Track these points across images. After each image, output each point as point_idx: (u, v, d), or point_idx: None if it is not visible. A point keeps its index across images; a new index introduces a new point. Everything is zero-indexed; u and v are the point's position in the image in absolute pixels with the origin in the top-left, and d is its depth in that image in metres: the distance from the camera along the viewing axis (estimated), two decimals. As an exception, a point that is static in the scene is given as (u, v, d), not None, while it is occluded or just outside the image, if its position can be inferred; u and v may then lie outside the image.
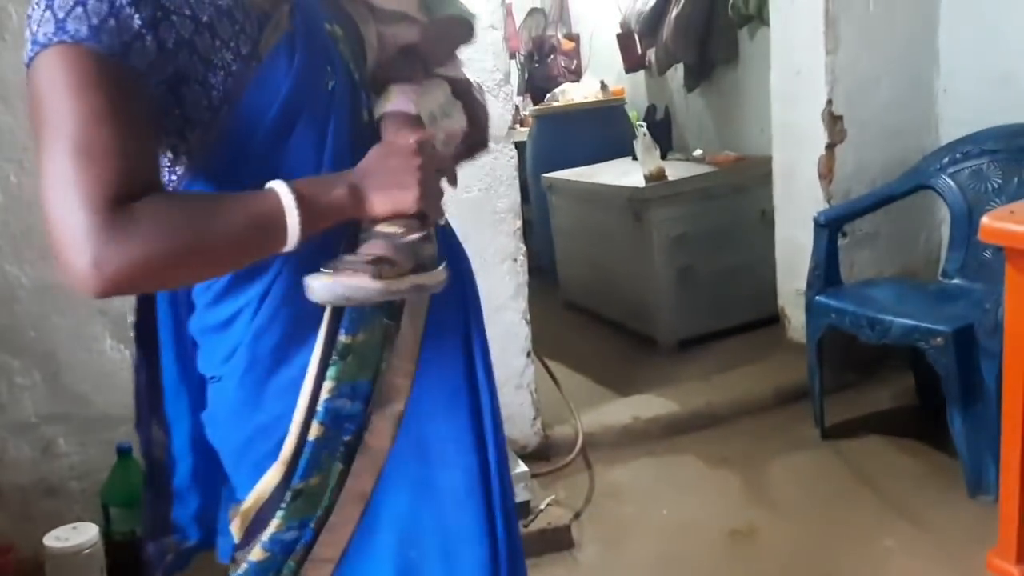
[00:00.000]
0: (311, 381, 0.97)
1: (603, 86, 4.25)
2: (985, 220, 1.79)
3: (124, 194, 0.80)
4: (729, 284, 3.29)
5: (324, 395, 0.97)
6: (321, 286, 0.89)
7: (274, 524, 1.00)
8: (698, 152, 3.71)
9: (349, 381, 0.98)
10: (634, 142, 3.46)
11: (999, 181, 2.45)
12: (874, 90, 2.77)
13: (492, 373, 1.15)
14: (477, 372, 1.12)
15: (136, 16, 0.84)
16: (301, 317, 0.97)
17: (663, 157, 3.50)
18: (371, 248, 0.93)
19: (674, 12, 3.66)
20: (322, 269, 0.90)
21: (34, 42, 0.84)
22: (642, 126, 3.47)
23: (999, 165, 2.45)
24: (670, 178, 3.32)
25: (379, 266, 0.90)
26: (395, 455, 1.05)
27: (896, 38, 2.76)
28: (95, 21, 0.82)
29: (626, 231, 3.38)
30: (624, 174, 3.53)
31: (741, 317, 3.31)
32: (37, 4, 0.85)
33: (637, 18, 3.87)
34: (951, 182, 2.53)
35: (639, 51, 4.11)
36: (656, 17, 3.77)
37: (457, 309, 1.13)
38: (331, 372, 0.97)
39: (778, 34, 2.90)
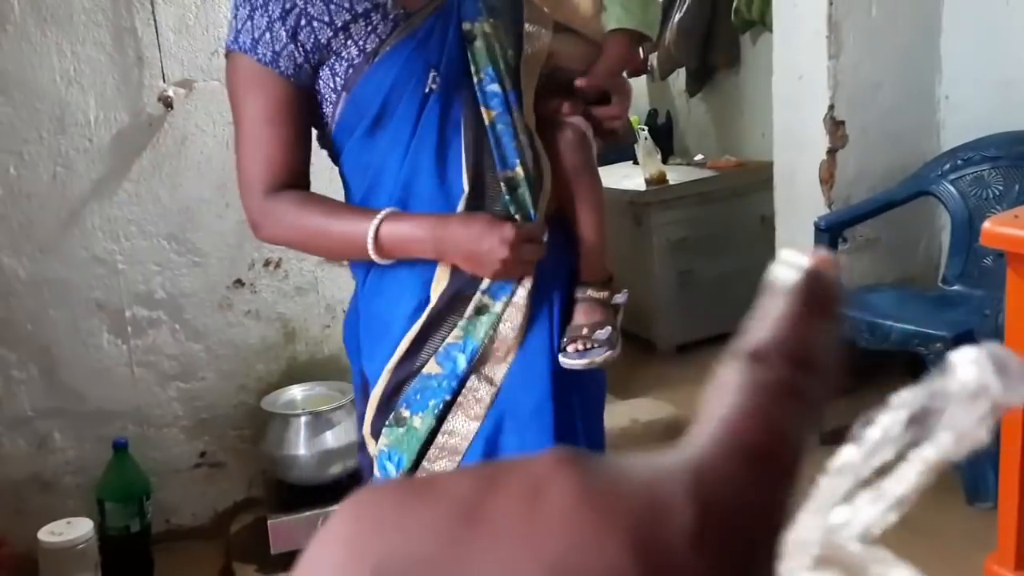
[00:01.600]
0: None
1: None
2: (987, 225, 1.78)
3: (273, 183, 1.10)
4: (729, 289, 3.28)
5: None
6: (575, 363, 1.13)
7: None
8: (699, 157, 3.71)
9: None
10: (635, 146, 3.46)
11: (1000, 188, 2.45)
12: (876, 96, 2.77)
13: (583, 395, 1.19)
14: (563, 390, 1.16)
15: (282, 29, 1.05)
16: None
17: (664, 161, 3.50)
18: (592, 315, 1.16)
19: (676, 17, 3.66)
20: (568, 348, 1.14)
21: (227, 43, 1.10)
22: (643, 130, 3.47)
23: (1000, 172, 2.45)
24: (671, 182, 3.32)
25: (614, 339, 1.15)
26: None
27: (898, 44, 2.76)
28: (256, 35, 1.06)
29: (626, 234, 3.37)
30: (625, 177, 3.53)
31: (741, 322, 3.29)
32: (232, 10, 1.09)
33: (639, 22, 3.86)
34: (952, 188, 2.53)
35: (641, 55, 4.10)
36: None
37: (544, 322, 1.17)
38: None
39: (780, 39, 2.90)
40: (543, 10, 1.17)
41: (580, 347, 1.14)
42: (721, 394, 0.20)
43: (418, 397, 1.14)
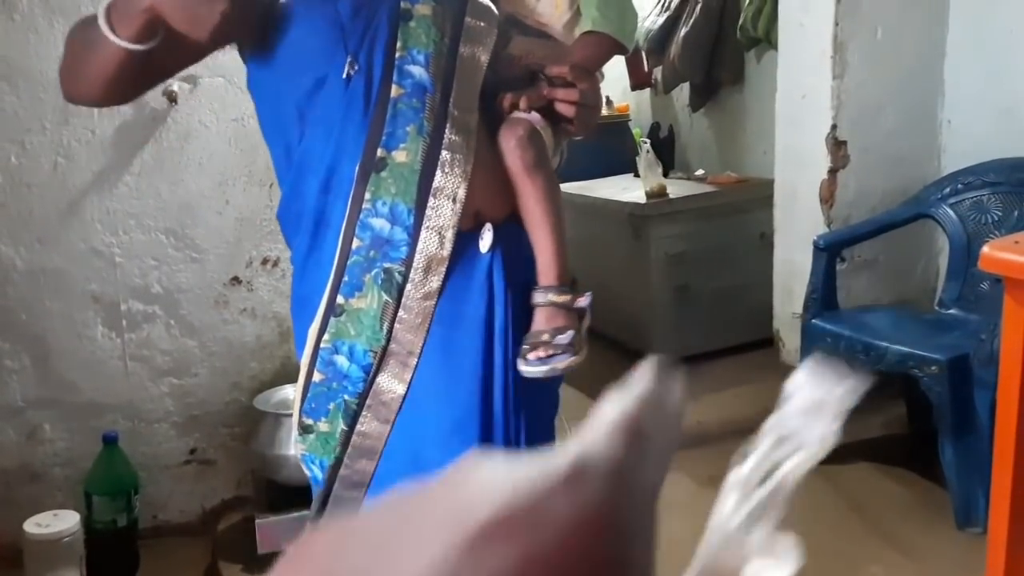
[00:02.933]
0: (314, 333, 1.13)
1: (608, 102, 4.26)
2: (986, 250, 1.78)
3: None
4: (726, 304, 3.29)
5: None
6: (536, 370, 1.11)
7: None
8: (700, 171, 3.72)
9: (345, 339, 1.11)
10: (637, 159, 3.47)
11: (999, 213, 2.45)
12: (879, 117, 2.78)
13: (519, 404, 1.14)
14: (494, 402, 1.12)
15: None
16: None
17: (665, 175, 3.51)
18: (554, 320, 1.13)
19: (683, 32, 3.67)
20: (529, 356, 1.11)
21: None
22: (646, 143, 3.48)
23: (1000, 198, 2.46)
24: (671, 196, 3.32)
25: (577, 343, 1.13)
26: (401, 473, 1.09)
27: (902, 67, 2.78)
28: None
29: (625, 247, 3.38)
30: (625, 190, 3.53)
31: (736, 338, 3.30)
32: None
33: (645, 36, 3.88)
34: (951, 212, 2.53)
35: (646, 69, 4.12)
36: (664, 36, 3.79)
37: (474, 332, 1.13)
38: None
39: (785, 58, 2.91)
40: (490, 6, 1.16)
41: (541, 354, 1.11)
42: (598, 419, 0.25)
43: (313, 405, 1.13)
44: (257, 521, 2.06)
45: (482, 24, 1.13)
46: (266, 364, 2.37)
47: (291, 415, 2.11)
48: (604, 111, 4.20)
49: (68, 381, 2.21)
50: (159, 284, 2.26)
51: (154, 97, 2.17)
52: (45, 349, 2.19)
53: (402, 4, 1.09)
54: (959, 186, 2.54)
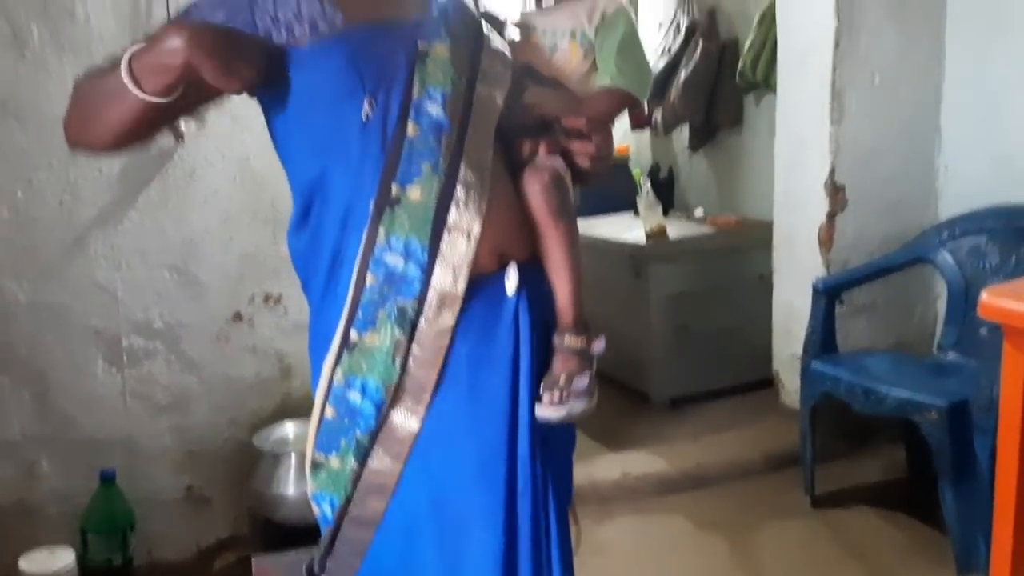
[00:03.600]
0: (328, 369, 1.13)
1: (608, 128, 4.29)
2: (985, 296, 1.79)
3: None
4: (725, 345, 3.30)
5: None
6: (552, 414, 1.12)
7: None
8: (699, 212, 3.75)
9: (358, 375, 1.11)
10: (637, 198, 3.50)
11: (997, 259, 2.47)
12: (876, 162, 2.81)
13: (544, 444, 1.14)
14: (519, 443, 1.12)
15: (226, 13, 1.08)
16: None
17: (665, 215, 3.53)
18: (570, 364, 1.15)
19: (683, 75, 3.72)
20: (545, 400, 1.13)
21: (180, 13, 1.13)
22: (646, 183, 3.51)
23: (997, 244, 2.48)
24: (671, 236, 3.34)
25: (592, 389, 1.15)
26: (415, 513, 1.10)
27: (900, 113, 2.82)
28: (204, 12, 1.09)
29: (625, 286, 3.39)
30: (625, 229, 3.56)
31: (735, 379, 3.30)
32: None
33: (646, 78, 3.93)
34: (949, 257, 2.55)
35: (646, 111, 4.17)
36: (664, 79, 3.84)
37: (502, 373, 1.13)
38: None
39: (784, 102, 2.95)
40: (504, 52, 1.19)
41: (557, 397, 1.13)
42: None
43: (325, 441, 1.13)
44: (254, 560, 2.05)
45: (498, 66, 1.16)
46: (265, 401, 2.37)
47: (289, 453, 2.11)
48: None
49: (67, 417, 2.20)
50: (161, 319, 2.27)
51: (162, 134, 2.20)
52: (45, 384, 2.18)
53: (420, 44, 1.11)
54: (957, 231, 2.56)
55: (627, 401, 3.34)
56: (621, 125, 4.49)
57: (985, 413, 2.06)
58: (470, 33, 1.17)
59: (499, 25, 1.28)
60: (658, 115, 4.06)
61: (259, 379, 2.36)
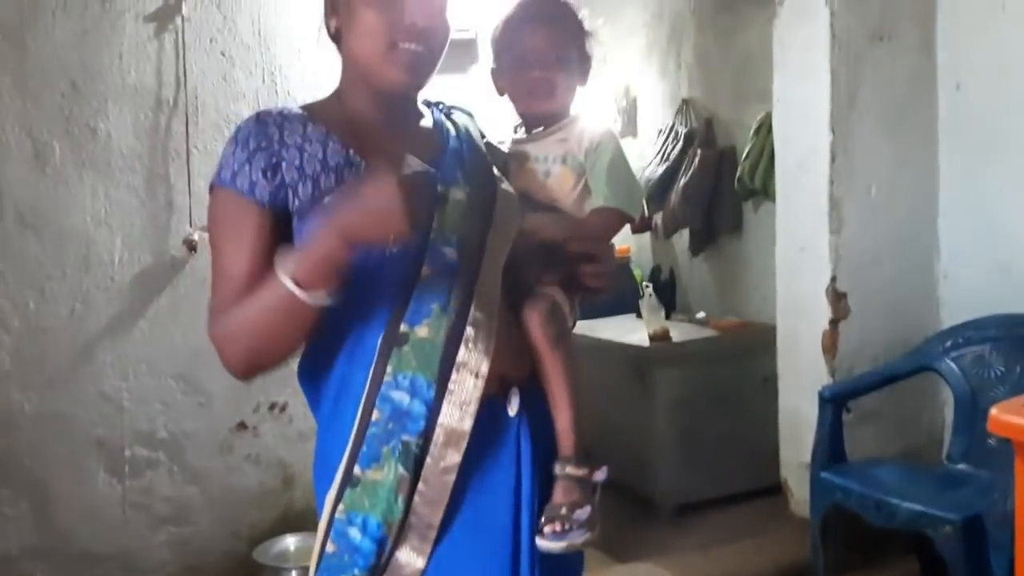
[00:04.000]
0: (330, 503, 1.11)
1: (611, 245, 4.36)
2: (994, 412, 1.79)
3: (230, 307, 1.10)
4: (731, 450, 3.26)
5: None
6: (553, 545, 1.11)
7: None
8: (701, 315, 3.76)
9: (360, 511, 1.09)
10: (640, 301, 3.52)
11: (1002, 369, 2.48)
12: (877, 270, 2.85)
13: (548, 571, 1.13)
14: (521, 571, 1.12)
15: (258, 165, 1.11)
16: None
17: (667, 317, 3.55)
18: (571, 494, 1.14)
19: (682, 181, 3.80)
20: (546, 530, 1.11)
21: (211, 180, 1.16)
22: (648, 286, 3.54)
23: (1001, 353, 2.49)
24: (674, 339, 3.35)
25: (594, 519, 1.14)
26: None
27: (898, 223, 2.87)
28: (236, 168, 1.12)
29: (628, 389, 3.38)
30: (628, 331, 3.57)
31: (742, 484, 3.25)
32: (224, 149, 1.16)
33: (645, 184, 4.02)
34: (954, 366, 2.56)
35: (646, 215, 4.25)
36: (664, 185, 3.92)
37: (504, 500, 1.13)
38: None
39: (783, 211, 3.01)
40: (514, 193, 1.23)
41: (558, 528, 1.11)
42: None
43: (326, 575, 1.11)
44: None
45: (509, 210, 1.19)
46: (267, 512, 2.33)
47: (290, 570, 2.07)
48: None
49: (65, 530, 2.17)
50: (165, 429, 2.26)
51: (175, 245, 2.24)
52: (45, 496, 2.16)
53: (439, 187, 1.14)
54: (960, 340, 2.57)
55: (633, 508, 3.28)
56: (622, 228, 4.56)
57: (1000, 528, 2.02)
58: (484, 175, 1.21)
59: (503, 158, 1.32)
60: (659, 219, 4.13)
61: (261, 489, 2.34)
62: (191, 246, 2.24)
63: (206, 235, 2.25)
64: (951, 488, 2.33)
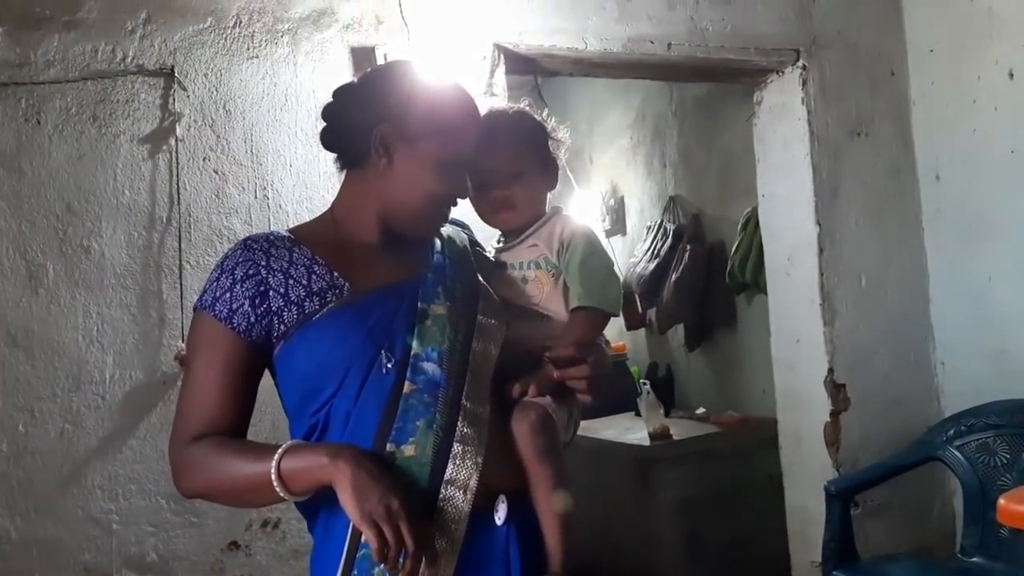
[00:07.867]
0: None
1: (606, 342, 4.35)
2: (1002, 502, 1.76)
3: (203, 433, 1.14)
4: (739, 552, 3.16)
5: None
6: None
7: None
8: (701, 410, 3.73)
9: None
10: (638, 399, 3.49)
11: (1007, 456, 2.44)
12: (874, 361, 2.84)
13: None
14: None
15: (242, 292, 1.14)
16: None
17: (666, 414, 3.51)
18: None
19: (673, 276, 3.84)
20: None
21: (195, 303, 1.20)
22: (646, 384, 3.51)
23: (1005, 440, 2.46)
24: (675, 436, 3.30)
25: None
26: None
27: (890, 312, 2.88)
28: (218, 294, 1.15)
29: (630, 491, 3.31)
30: (628, 431, 3.52)
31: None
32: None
33: (638, 281, 4.05)
34: (959, 455, 2.52)
35: (640, 310, 4.26)
36: (656, 280, 3.95)
37: None
38: None
39: (775, 304, 3.02)
40: (499, 305, 1.23)
41: None
42: None
43: None
44: None
45: (493, 321, 1.20)
46: (259, 639, 2.24)
47: None
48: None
49: (47, 666, 2.07)
50: (155, 552, 2.18)
51: (166, 361, 2.22)
52: (28, 628, 2.07)
53: (419, 305, 1.15)
54: (962, 428, 2.54)
55: (641, 616, 3.16)
56: (616, 324, 4.57)
57: None
58: (468, 290, 1.22)
59: (491, 268, 1.33)
60: (652, 315, 4.14)
61: (255, 613, 2.25)
62: (183, 361, 2.23)
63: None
64: (968, 584, 2.26)
